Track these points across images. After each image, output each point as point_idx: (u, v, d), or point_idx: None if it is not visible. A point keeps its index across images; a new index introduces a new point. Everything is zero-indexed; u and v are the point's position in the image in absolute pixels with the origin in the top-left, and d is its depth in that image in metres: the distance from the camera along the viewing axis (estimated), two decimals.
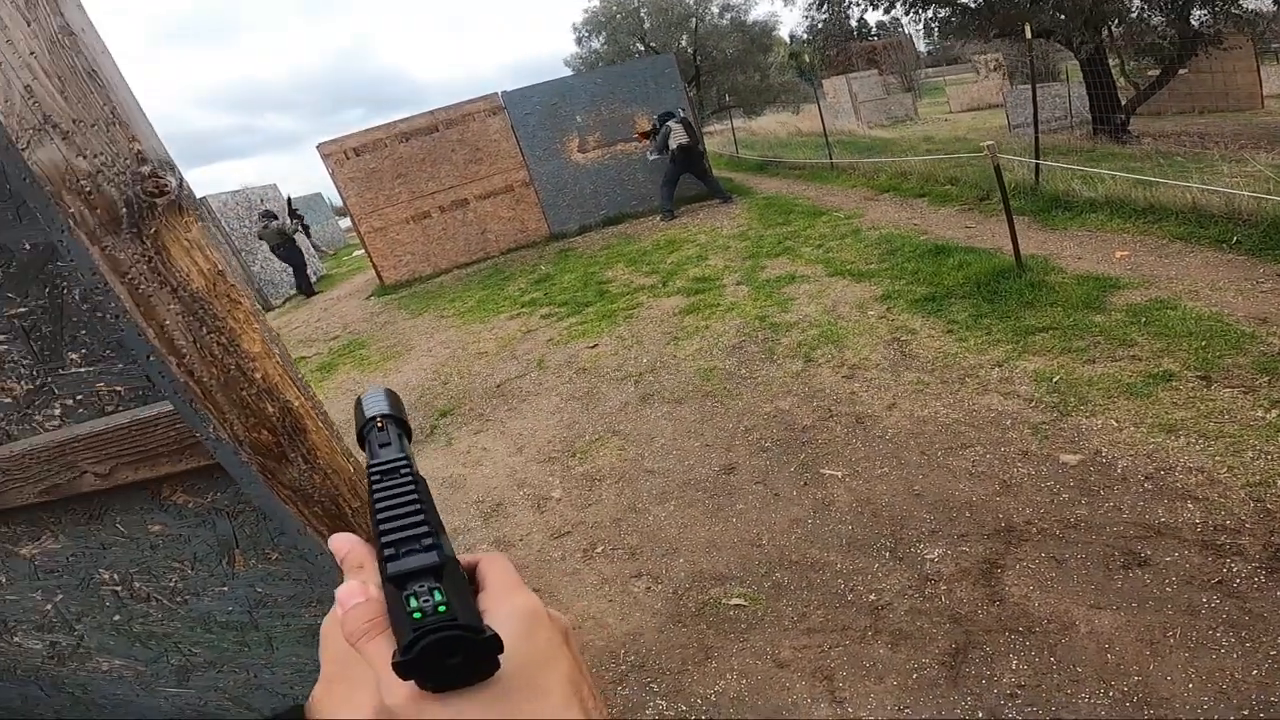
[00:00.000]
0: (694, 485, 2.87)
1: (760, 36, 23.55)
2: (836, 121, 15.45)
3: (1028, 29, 6.34)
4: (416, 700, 0.27)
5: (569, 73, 22.03)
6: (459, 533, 2.97)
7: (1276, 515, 1.98)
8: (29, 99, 0.63)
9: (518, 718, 0.27)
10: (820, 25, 14.67)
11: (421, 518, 0.31)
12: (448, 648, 0.26)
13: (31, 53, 0.63)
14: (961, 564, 2.10)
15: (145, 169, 0.64)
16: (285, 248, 10.73)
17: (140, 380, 0.80)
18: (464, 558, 0.35)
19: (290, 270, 11.40)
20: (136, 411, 0.81)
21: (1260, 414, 2.41)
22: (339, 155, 9.02)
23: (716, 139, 17.30)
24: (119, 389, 0.82)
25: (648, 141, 9.34)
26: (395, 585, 0.28)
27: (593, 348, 4.84)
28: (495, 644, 0.27)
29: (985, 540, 2.17)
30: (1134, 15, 8.85)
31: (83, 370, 0.82)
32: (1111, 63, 9.99)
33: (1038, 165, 5.89)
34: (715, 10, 23.17)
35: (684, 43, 23.01)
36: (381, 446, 0.37)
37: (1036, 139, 6.01)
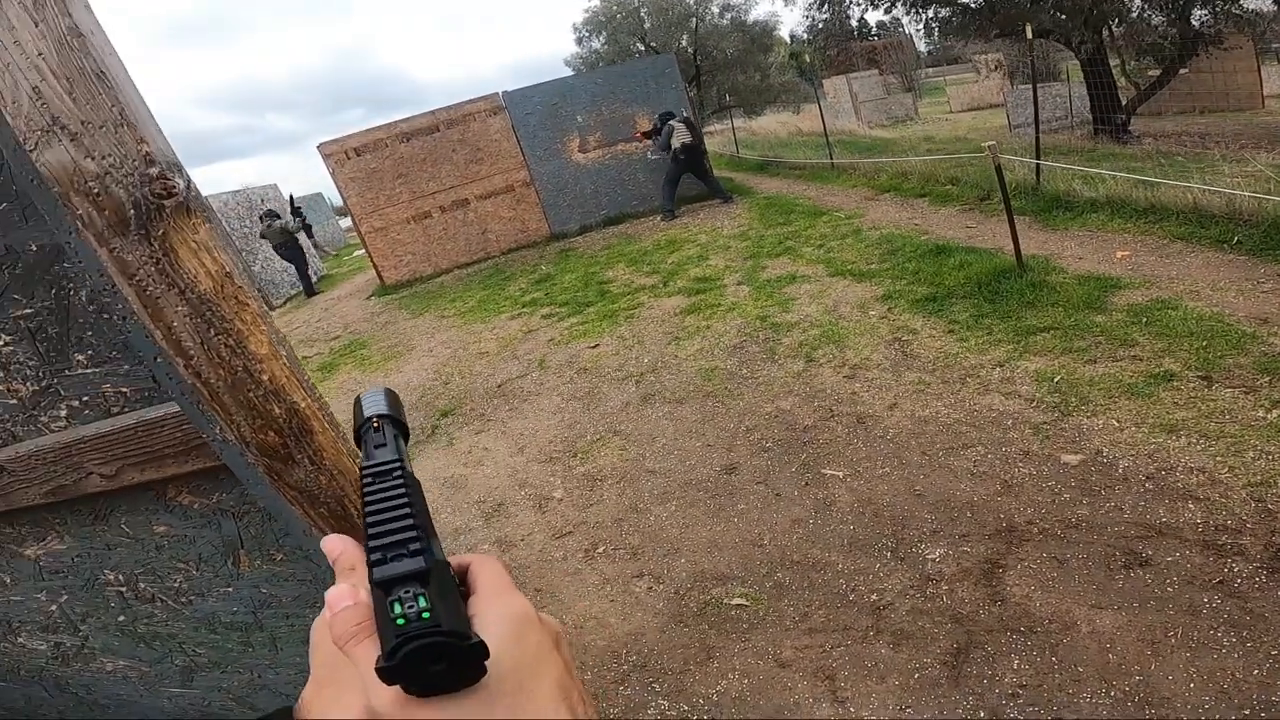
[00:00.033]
0: (695, 485, 2.88)
1: (761, 36, 23.54)
2: (837, 121, 15.45)
3: (1028, 29, 6.34)
4: (402, 704, 0.27)
5: (569, 73, 22.02)
6: (460, 533, 2.98)
7: (1277, 515, 1.98)
8: (37, 100, 0.63)
9: None
10: (821, 25, 14.65)
11: (410, 522, 0.31)
12: (431, 654, 0.26)
13: (39, 54, 0.63)
14: (963, 564, 2.10)
15: (153, 170, 0.64)
16: (288, 247, 10.73)
17: (146, 381, 0.81)
18: (455, 560, 0.35)
19: (293, 269, 11.40)
20: (143, 413, 0.81)
21: (1261, 414, 2.41)
22: (340, 155, 9.02)
23: (717, 139, 17.30)
24: (125, 390, 0.82)
25: (648, 141, 9.34)
26: (381, 590, 0.28)
27: (594, 348, 4.84)
28: (480, 650, 0.27)
29: (987, 540, 2.17)
30: (1134, 15, 8.85)
31: (89, 371, 0.82)
32: (1112, 63, 9.99)
33: (1039, 165, 5.89)
34: (715, 10, 23.17)
35: (684, 42, 23.01)
36: (376, 448, 0.37)
37: (1037, 139, 6.01)
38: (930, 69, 35.70)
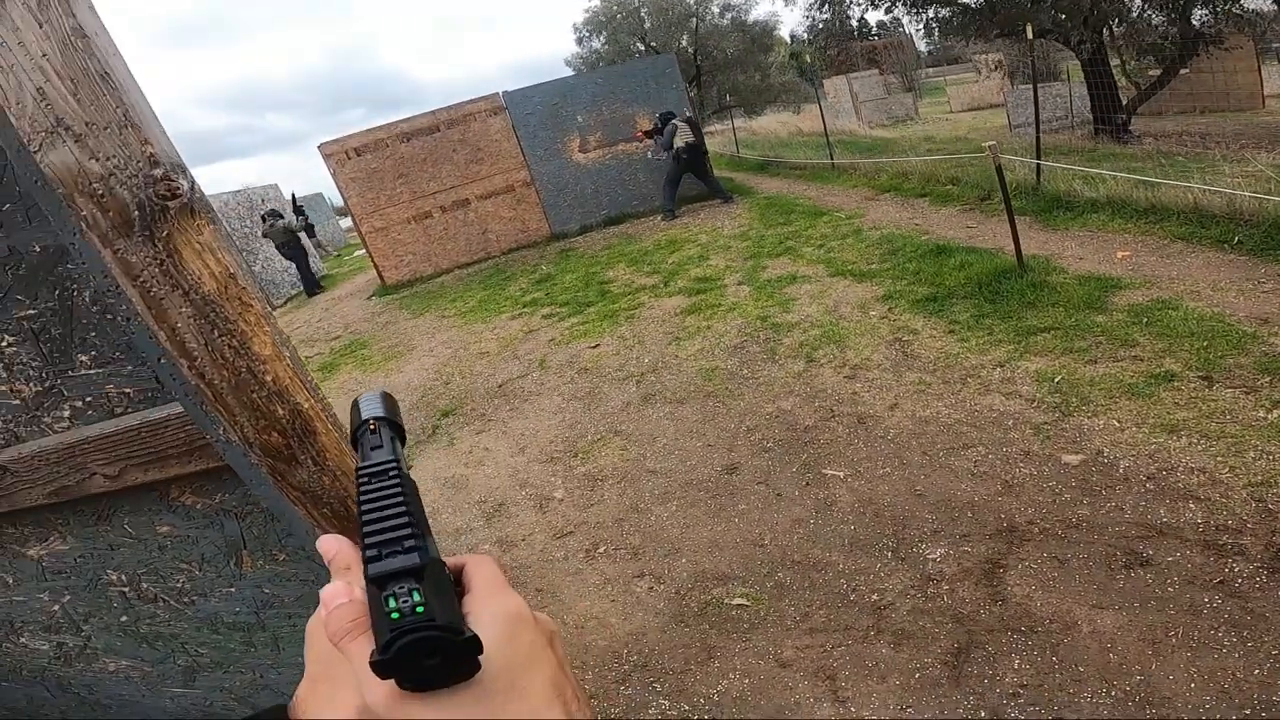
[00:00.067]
0: (696, 485, 2.88)
1: (761, 36, 23.55)
2: (837, 121, 15.45)
3: (1028, 29, 6.34)
4: (396, 699, 0.27)
5: (570, 73, 22.05)
6: (461, 533, 2.98)
7: (1278, 515, 1.98)
8: (41, 101, 0.63)
9: (498, 718, 0.28)
10: (821, 25, 14.66)
11: (406, 520, 0.31)
12: (425, 648, 0.26)
13: (44, 55, 0.63)
14: (964, 564, 2.10)
15: (158, 172, 0.64)
16: (291, 246, 10.75)
17: (149, 382, 0.81)
18: (451, 560, 0.35)
19: (294, 269, 11.41)
20: (146, 413, 0.81)
21: (1262, 414, 2.41)
22: (340, 155, 9.02)
23: (717, 139, 17.30)
24: (128, 391, 0.82)
25: (649, 141, 9.34)
26: (376, 586, 0.29)
27: (594, 348, 4.84)
28: (474, 645, 0.27)
29: (987, 540, 2.17)
30: (1134, 15, 8.85)
31: (92, 372, 0.82)
32: (1113, 62, 9.99)
33: (1039, 165, 5.89)
34: (716, 10, 23.19)
35: (685, 42, 23.01)
36: (373, 449, 0.37)
37: (1038, 139, 6.01)
38: (930, 69, 35.70)
